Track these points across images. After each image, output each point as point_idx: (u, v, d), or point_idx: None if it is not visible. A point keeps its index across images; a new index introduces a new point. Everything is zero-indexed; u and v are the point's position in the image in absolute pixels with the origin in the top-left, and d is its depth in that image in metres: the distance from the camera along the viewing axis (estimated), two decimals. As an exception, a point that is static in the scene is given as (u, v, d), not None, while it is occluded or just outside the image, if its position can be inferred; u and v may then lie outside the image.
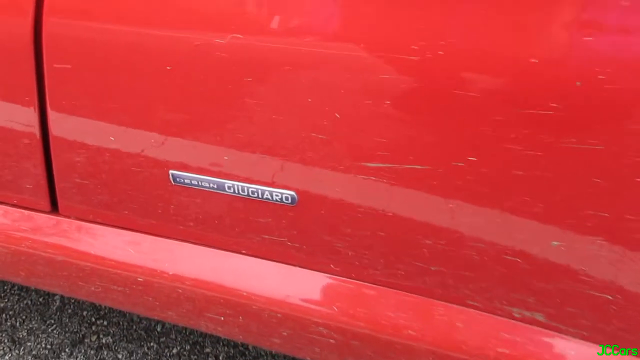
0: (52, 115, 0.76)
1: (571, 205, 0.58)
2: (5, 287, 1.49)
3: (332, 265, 0.74)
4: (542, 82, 0.54)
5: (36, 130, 0.79)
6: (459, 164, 0.60)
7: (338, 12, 0.59)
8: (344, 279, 0.75)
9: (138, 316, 1.41)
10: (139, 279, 0.83)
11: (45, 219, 0.88)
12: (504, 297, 0.68)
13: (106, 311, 1.42)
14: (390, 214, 0.66)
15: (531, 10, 0.53)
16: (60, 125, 0.76)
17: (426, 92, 0.57)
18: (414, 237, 0.67)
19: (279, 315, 0.77)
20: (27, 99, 0.76)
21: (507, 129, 0.56)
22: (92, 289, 0.90)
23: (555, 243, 0.61)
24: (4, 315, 1.40)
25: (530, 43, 0.53)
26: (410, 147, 0.61)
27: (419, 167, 0.61)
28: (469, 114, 0.57)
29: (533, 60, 0.53)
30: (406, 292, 0.72)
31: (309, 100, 0.61)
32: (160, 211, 0.79)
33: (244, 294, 0.78)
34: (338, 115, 0.61)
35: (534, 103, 0.54)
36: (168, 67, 0.65)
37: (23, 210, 0.89)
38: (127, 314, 1.41)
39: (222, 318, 0.82)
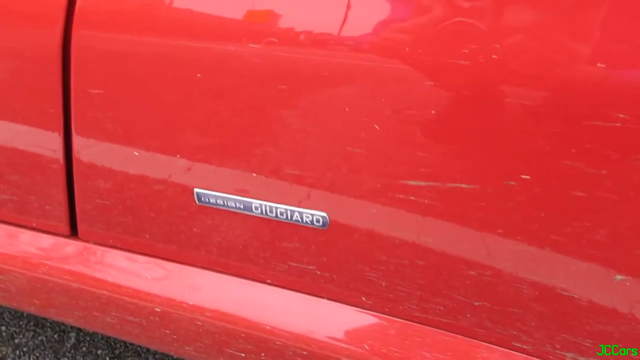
0: (76, 139, 0.74)
1: None
2: (21, 323, 1.47)
3: (363, 298, 0.69)
4: (610, 89, 0.49)
5: (60, 154, 0.77)
6: (511, 183, 0.55)
7: (381, 13, 0.56)
8: (376, 313, 0.69)
9: (154, 356, 1.36)
10: (156, 309, 0.79)
11: (63, 244, 0.85)
12: (556, 339, 0.61)
13: (121, 350, 1.38)
14: (430, 240, 0.61)
15: (597, 7, 0.49)
16: (84, 148, 0.75)
17: (475, 100, 0.53)
18: (455, 267, 0.61)
19: (304, 353, 0.72)
20: (51, 113, 0.74)
21: (567, 143, 0.51)
22: (108, 320, 0.86)
23: (618, 277, 0.55)
24: (17, 352, 1.38)
25: (597, 44, 0.49)
26: (455, 163, 0.56)
27: (465, 186, 0.57)
28: (523, 125, 0.52)
29: (600, 65, 0.48)
30: (445, 330, 0.67)
31: (346, 109, 0.58)
32: (182, 235, 0.75)
33: (267, 328, 0.73)
34: (377, 127, 0.57)
35: (598, 113, 0.49)
36: (198, 75, 0.62)
37: (42, 234, 0.87)
38: (142, 355, 1.36)
39: (243, 355, 0.76)
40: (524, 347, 0.63)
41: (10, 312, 1.50)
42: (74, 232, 0.85)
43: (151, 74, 0.66)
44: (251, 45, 0.59)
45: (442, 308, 0.65)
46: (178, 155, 0.69)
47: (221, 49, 0.62)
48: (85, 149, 0.74)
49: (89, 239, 0.83)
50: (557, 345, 0.61)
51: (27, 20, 0.72)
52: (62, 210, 0.83)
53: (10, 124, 0.78)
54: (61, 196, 0.81)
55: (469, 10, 0.52)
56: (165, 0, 0.64)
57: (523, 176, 0.54)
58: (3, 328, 1.45)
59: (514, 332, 0.63)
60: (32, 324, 1.47)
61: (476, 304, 0.63)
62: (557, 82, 0.51)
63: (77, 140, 0.74)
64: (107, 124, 0.71)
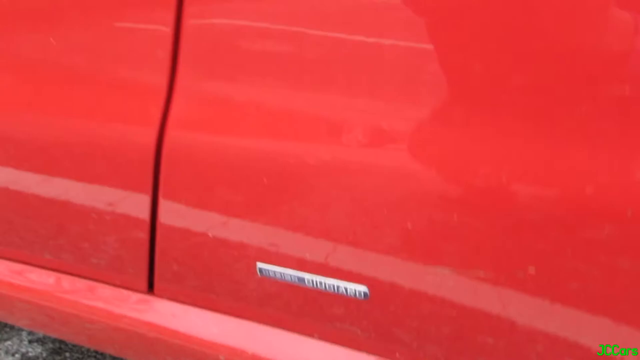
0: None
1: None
2: (83, 349, 1.56)
3: (397, 354, 0.79)
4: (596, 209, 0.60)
5: (146, 216, 0.88)
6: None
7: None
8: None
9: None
10: (220, 357, 0.90)
11: (141, 299, 0.97)
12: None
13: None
14: (454, 313, 0.72)
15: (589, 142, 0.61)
16: (169, 213, 0.86)
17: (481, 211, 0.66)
18: (473, 336, 0.72)
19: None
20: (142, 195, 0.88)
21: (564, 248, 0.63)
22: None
23: None
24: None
25: (587, 174, 0.61)
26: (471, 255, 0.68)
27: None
28: (523, 232, 0.64)
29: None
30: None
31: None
32: (244, 296, 0.86)
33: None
34: (410, 226, 0.70)
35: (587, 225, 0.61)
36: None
37: (123, 290, 0.98)
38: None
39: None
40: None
41: (74, 340, 1.60)
42: (150, 288, 0.96)
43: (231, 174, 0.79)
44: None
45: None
46: (246, 234, 0.81)
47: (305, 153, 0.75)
48: (169, 213, 0.86)
49: (164, 295, 0.95)
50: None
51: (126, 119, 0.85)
52: (142, 270, 0.93)
53: (103, 187, 0.91)
54: (143, 258, 0.92)
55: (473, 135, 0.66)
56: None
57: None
58: (67, 354, 1.53)
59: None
60: (92, 351, 1.55)
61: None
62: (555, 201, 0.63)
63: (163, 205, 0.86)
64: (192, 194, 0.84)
